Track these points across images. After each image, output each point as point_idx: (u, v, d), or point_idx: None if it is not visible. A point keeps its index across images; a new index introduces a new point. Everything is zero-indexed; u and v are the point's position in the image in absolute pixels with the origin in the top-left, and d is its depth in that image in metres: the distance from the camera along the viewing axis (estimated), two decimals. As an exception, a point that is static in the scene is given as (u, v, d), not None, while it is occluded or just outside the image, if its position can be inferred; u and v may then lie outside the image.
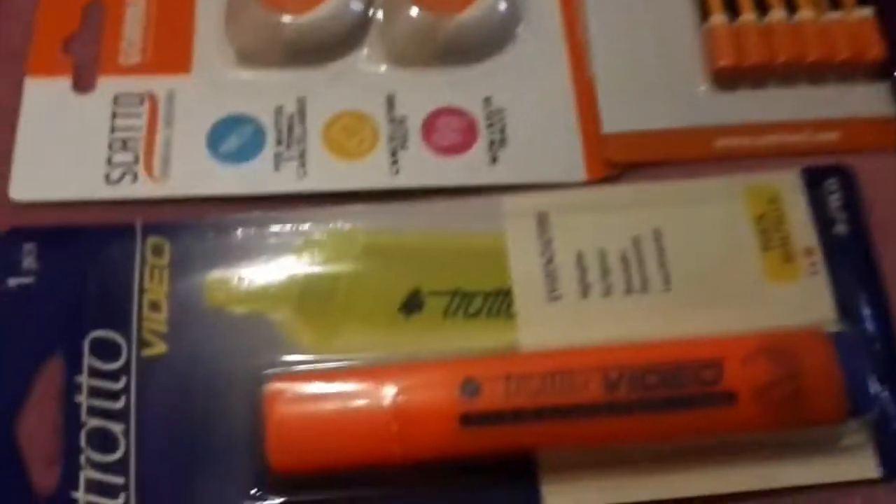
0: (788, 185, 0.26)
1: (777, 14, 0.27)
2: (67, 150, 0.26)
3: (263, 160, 0.26)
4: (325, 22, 0.27)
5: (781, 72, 0.27)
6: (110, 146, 0.26)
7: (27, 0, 0.28)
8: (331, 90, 0.27)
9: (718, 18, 0.27)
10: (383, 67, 0.28)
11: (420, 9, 0.27)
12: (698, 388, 0.22)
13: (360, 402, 0.22)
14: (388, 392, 0.22)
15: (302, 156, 0.26)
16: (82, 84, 0.27)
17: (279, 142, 0.26)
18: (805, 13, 0.27)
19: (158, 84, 0.27)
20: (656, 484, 0.23)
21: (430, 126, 0.27)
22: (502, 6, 0.27)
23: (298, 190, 0.26)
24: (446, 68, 0.27)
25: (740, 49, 0.27)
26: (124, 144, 0.26)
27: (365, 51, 0.28)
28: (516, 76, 0.27)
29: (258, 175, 0.26)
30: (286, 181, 0.26)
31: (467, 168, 0.26)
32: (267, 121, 0.27)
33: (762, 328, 0.23)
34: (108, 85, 0.27)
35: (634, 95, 0.27)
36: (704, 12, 0.28)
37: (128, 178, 0.26)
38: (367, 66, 0.28)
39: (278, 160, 0.26)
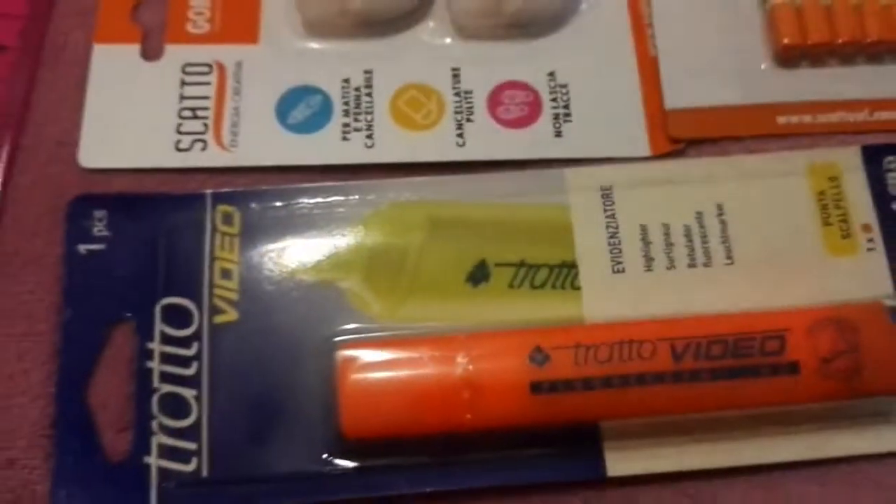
0: (848, 162, 0.26)
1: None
2: (136, 118, 0.26)
3: (331, 130, 0.26)
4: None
5: (843, 51, 0.27)
6: (179, 114, 0.26)
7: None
8: (397, 62, 0.27)
9: (782, -4, 0.28)
10: (448, 40, 0.28)
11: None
12: (762, 359, 0.22)
13: (431, 370, 0.22)
14: (460, 360, 0.22)
15: (369, 127, 0.26)
16: (151, 52, 0.27)
17: (346, 113, 0.26)
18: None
19: (226, 53, 0.27)
20: (713, 452, 0.23)
21: (495, 99, 0.27)
22: (567, -19, 0.28)
23: (366, 161, 0.26)
24: (511, 42, 0.27)
25: (803, 28, 0.27)
26: (193, 113, 0.26)
27: (430, 23, 0.28)
28: (580, 51, 0.28)
29: (326, 145, 0.26)
30: (354, 152, 0.26)
31: (532, 142, 0.26)
32: (334, 92, 0.27)
33: (823, 302, 0.24)
34: (176, 53, 0.27)
35: (697, 72, 0.27)
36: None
37: (197, 146, 0.26)
38: (433, 38, 0.28)
39: (346, 131, 0.26)
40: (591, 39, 0.28)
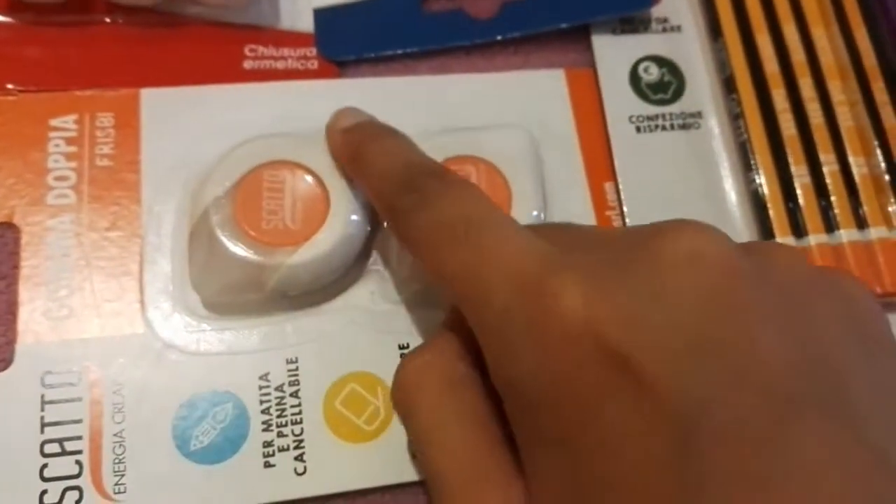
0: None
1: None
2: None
3: (247, 454, 0.20)
4: (329, 255, 0.20)
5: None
6: (42, 450, 0.19)
7: None
8: (329, 343, 0.21)
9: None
10: (387, 306, 0.22)
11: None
12: None
13: None
14: None
15: (299, 444, 0.20)
16: (-6, 357, 0.20)
17: (267, 426, 0.20)
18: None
19: (100, 353, 0.20)
20: None
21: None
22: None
23: (297, 496, 0.20)
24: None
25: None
26: (62, 447, 0.19)
27: (371, 287, 0.22)
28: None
29: (241, 477, 0.19)
30: (280, 483, 0.20)
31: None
32: (248, 396, 0.20)
33: None
34: (31, 358, 0.20)
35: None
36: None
37: (69, 498, 0.19)
38: (371, 304, 0.21)
39: (268, 452, 0.20)
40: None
